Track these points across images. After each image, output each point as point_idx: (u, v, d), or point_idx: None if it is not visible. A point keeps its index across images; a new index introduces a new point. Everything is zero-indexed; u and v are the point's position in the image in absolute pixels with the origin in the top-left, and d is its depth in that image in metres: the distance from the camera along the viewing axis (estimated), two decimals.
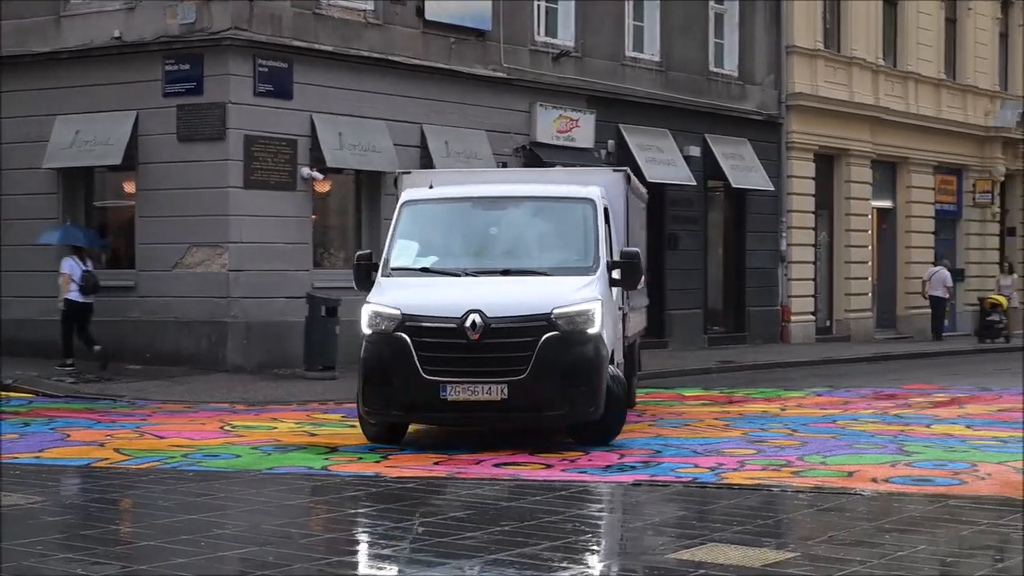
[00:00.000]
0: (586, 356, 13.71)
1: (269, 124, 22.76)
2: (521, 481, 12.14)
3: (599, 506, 11.13)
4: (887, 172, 37.70)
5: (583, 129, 27.49)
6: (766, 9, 32.67)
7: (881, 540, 9.44)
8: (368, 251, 15.47)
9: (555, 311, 13.61)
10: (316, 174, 23.25)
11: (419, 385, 13.52)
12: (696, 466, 12.93)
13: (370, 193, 24.56)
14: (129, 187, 23.87)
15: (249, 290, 22.65)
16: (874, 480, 12.19)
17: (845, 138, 34.86)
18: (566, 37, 27.82)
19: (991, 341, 36.42)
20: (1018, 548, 9.25)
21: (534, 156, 26.30)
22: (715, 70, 31.63)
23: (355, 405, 14.83)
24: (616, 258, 14.88)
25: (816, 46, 33.90)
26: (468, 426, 14.56)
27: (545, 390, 13.56)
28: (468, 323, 13.54)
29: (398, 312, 13.79)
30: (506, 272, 14.58)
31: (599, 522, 10.17)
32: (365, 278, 14.73)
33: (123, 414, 17.35)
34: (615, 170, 17.28)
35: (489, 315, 13.57)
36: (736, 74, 32.11)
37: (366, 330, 13.96)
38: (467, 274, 14.57)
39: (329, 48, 23.45)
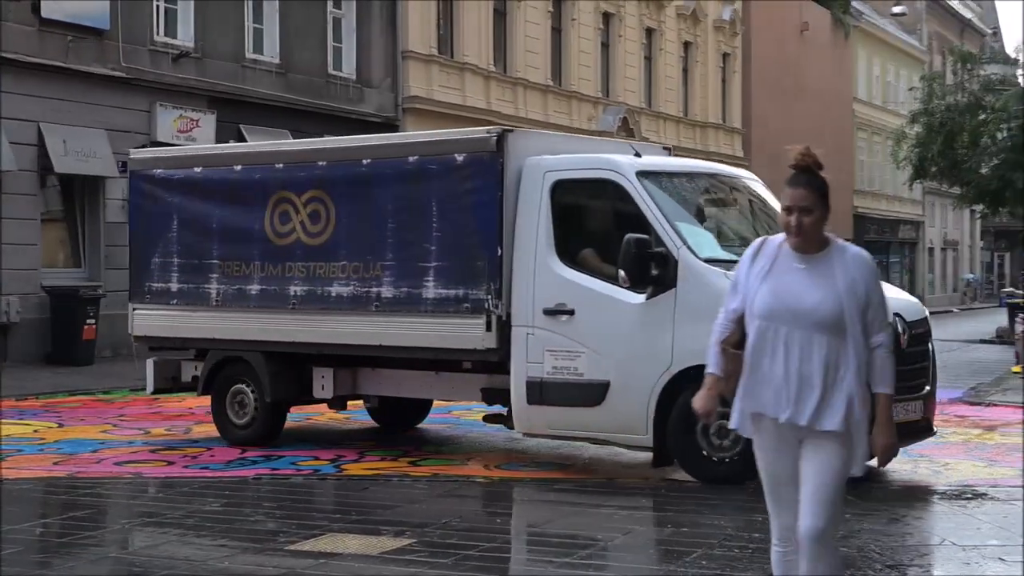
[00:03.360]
0: None
1: None
2: (143, 479, 11.87)
3: (221, 501, 10.97)
4: None
5: (204, 129, 27.04)
6: (382, 15, 32.86)
7: (494, 523, 9.64)
8: (644, 236, 11.20)
9: None
10: None
11: None
12: (317, 458, 12.92)
13: None
14: None
15: None
16: (487, 466, 12.45)
17: None
18: (186, 38, 27.29)
19: None
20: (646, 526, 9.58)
21: None
22: (334, 73, 31.63)
23: None
24: None
25: (431, 52, 34.33)
26: None
27: None
28: None
29: None
30: None
31: (220, 516, 10.02)
32: (644, 270, 11.21)
33: None
34: None
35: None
36: (354, 77, 32.19)
37: None
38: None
39: None
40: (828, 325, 5.65)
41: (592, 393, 11.49)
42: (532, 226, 11.86)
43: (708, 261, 11.24)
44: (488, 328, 11.97)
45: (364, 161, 13.10)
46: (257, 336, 13.68)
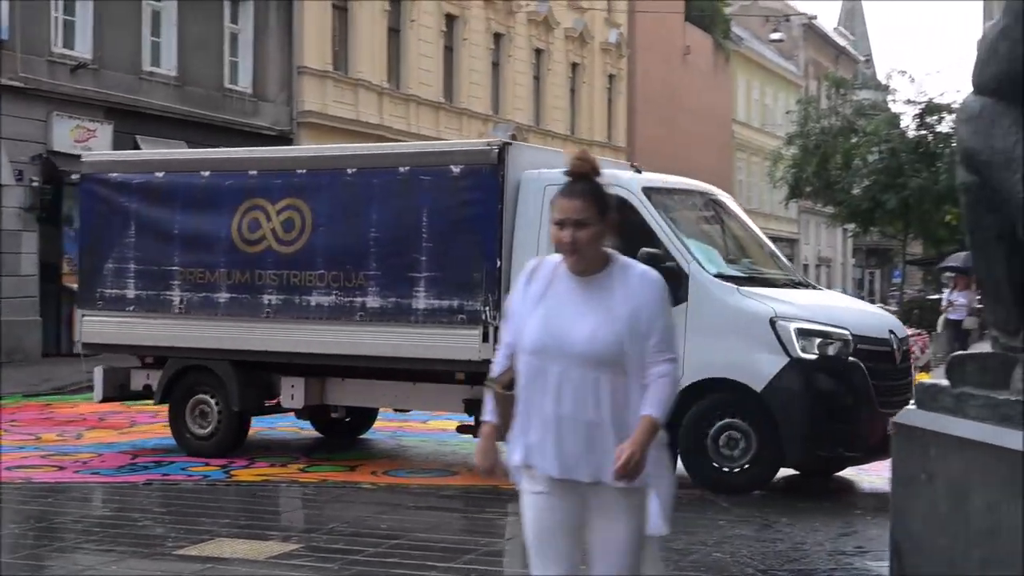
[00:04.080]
0: None
1: None
2: (33, 484, 11.65)
3: (111, 506, 10.80)
4: None
5: (100, 139, 26.63)
6: (279, 31, 32.65)
7: (379, 529, 9.59)
8: (657, 251, 11.04)
9: None
10: None
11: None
12: (207, 464, 12.77)
13: None
14: None
15: None
16: (374, 473, 12.38)
17: None
18: (84, 49, 26.89)
19: None
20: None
21: (51, 165, 25.31)
22: (230, 86, 31.35)
23: None
24: None
25: (326, 67, 34.15)
26: None
27: None
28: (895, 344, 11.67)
29: (846, 332, 11.18)
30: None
31: (109, 521, 9.86)
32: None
33: None
34: None
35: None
36: (250, 91, 31.93)
37: (802, 353, 10.98)
38: (798, 285, 12.51)
39: None
40: (604, 361, 4.74)
41: None
42: (532, 239, 11.62)
43: (716, 276, 11.32)
44: (485, 339, 11.73)
45: (349, 170, 12.75)
46: (224, 344, 13.17)
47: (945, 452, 5.72)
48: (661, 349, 4.80)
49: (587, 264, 4.83)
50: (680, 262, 11.18)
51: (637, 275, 4.86)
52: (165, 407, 13.75)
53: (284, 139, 32.17)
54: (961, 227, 6.45)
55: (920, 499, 5.93)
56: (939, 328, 25.24)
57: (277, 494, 11.43)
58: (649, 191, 11.71)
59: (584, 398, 4.75)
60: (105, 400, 14.43)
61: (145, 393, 14.01)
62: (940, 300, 29.37)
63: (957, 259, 26.97)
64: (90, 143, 26.20)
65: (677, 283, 10.91)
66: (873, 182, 39.91)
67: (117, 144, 26.51)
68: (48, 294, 25.66)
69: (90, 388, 15.09)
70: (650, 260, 10.60)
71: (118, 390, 14.19)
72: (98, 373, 14.21)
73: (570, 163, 4.89)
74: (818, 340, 10.95)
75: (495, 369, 4.99)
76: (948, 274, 31.26)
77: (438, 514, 10.63)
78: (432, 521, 10.35)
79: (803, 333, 10.94)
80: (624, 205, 11.49)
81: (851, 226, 48.97)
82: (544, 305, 4.86)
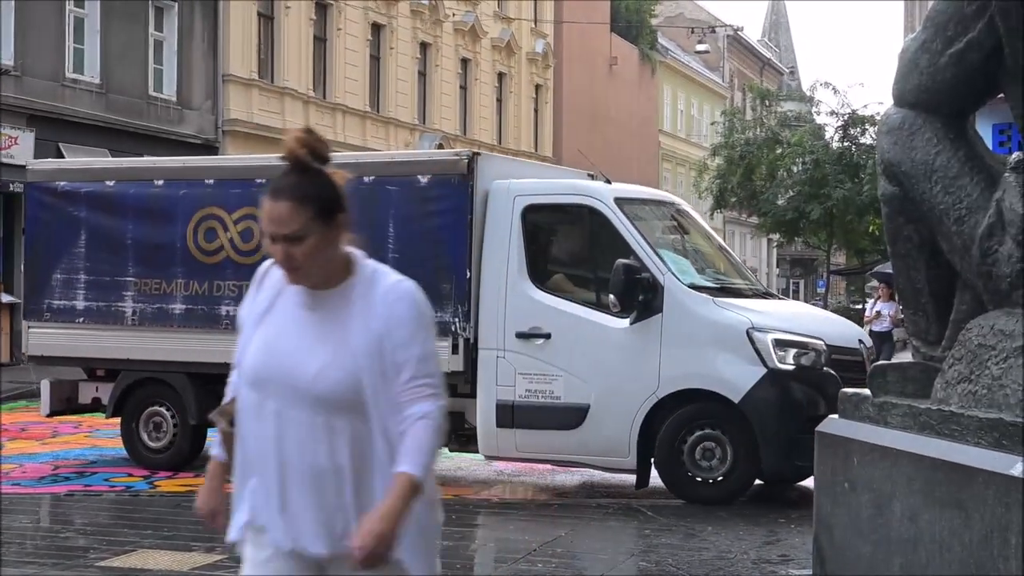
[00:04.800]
0: None
1: None
2: None
3: (31, 517, 10.66)
4: None
5: (22, 147, 26.32)
6: (204, 39, 32.45)
7: None
8: (632, 262, 11.12)
9: None
10: None
11: None
12: (130, 475, 12.65)
13: None
14: None
15: None
16: None
17: None
18: (5, 56, 26.57)
19: None
20: None
21: None
22: (154, 94, 31.11)
23: None
24: None
25: (251, 75, 33.98)
26: None
27: None
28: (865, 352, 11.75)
29: (821, 343, 11.22)
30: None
31: (29, 532, 9.74)
32: (632, 295, 11.05)
33: None
34: None
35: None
36: (175, 99, 31.71)
37: (779, 364, 10.97)
38: (765, 295, 12.56)
39: None
40: (337, 404, 3.71)
41: (570, 416, 11.31)
42: (502, 250, 11.61)
43: (690, 287, 11.33)
44: (455, 351, 11.66)
45: None
46: (182, 356, 12.89)
47: (867, 461, 5.79)
48: (418, 384, 3.75)
49: (317, 280, 3.80)
50: (655, 273, 11.17)
51: (384, 290, 3.80)
52: (90, 418, 13.52)
53: (209, 147, 31.97)
54: (884, 237, 6.51)
55: (843, 507, 5.99)
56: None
57: None
58: (621, 202, 11.71)
59: (314, 449, 3.73)
60: (53, 414, 14.04)
61: (94, 406, 13.72)
62: (864, 310, 29.66)
63: (885, 268, 27.26)
64: (11, 151, 25.90)
65: (652, 294, 11.04)
66: (797, 193, 40.33)
67: (39, 152, 26.19)
68: None
69: (15, 398, 14.89)
70: (625, 271, 10.80)
71: (65, 403, 13.83)
72: (45, 386, 13.84)
73: (287, 145, 3.78)
74: (794, 350, 10.99)
75: (228, 393, 3.99)
76: (872, 284, 31.60)
77: None
78: None
79: (780, 344, 10.96)
80: (597, 216, 11.61)
81: (776, 236, 49.43)
82: (267, 324, 3.86)
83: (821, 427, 6.36)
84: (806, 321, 11.74)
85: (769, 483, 11.92)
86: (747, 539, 9.78)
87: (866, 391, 6.13)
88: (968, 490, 4.93)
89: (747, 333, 10.96)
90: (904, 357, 6.91)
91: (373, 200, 11.99)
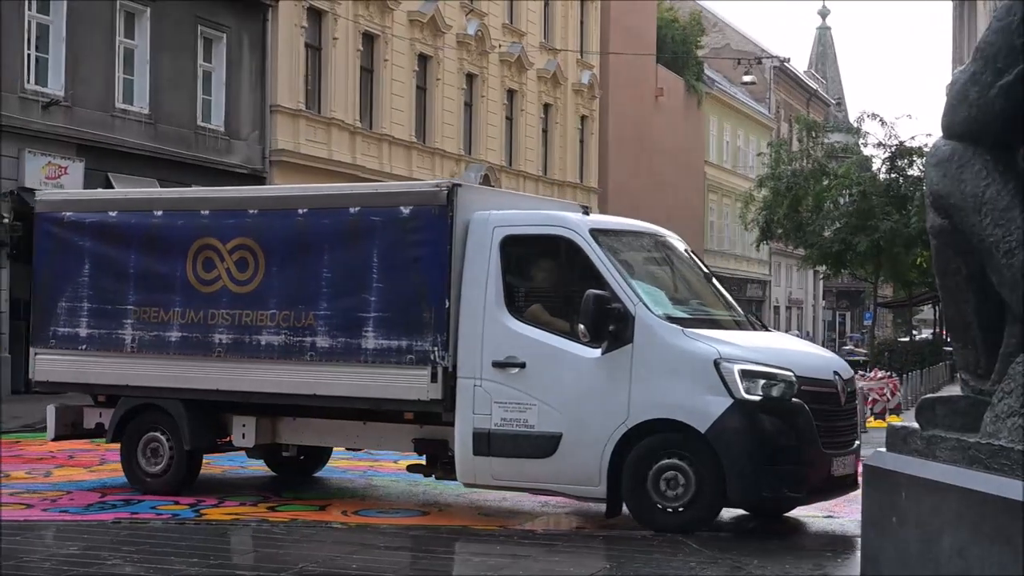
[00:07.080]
0: None
1: None
2: (1, 522, 11.56)
3: (79, 544, 10.72)
4: None
5: (72, 176, 26.61)
6: (252, 69, 32.70)
7: (350, 568, 9.55)
8: (603, 292, 11.24)
9: None
10: None
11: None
12: (177, 503, 12.71)
13: None
14: None
15: None
16: (344, 512, 12.34)
17: None
18: (56, 86, 26.89)
19: None
20: None
21: (22, 202, 25.23)
22: (203, 125, 31.36)
23: None
24: None
25: (299, 106, 34.22)
26: None
27: None
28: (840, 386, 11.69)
29: (790, 374, 11.16)
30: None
31: (78, 560, 9.79)
32: (603, 325, 11.15)
33: None
34: None
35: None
36: (223, 129, 31.96)
37: (746, 395, 10.95)
38: (745, 325, 12.57)
39: None
40: None
41: (543, 445, 11.38)
42: (481, 279, 11.75)
43: (662, 317, 11.37)
44: (433, 379, 11.81)
45: (300, 210, 12.79)
46: (177, 383, 13.16)
47: (915, 495, 5.75)
48: None
49: None
50: (626, 303, 11.23)
51: None
52: None
53: (256, 178, 32.19)
54: (932, 270, 6.49)
55: (890, 541, 5.96)
56: None
57: (247, 533, 11.38)
58: (596, 233, 11.80)
59: None
60: (58, 438, 14.42)
61: (97, 431, 14.01)
62: (909, 342, 29.44)
63: None
64: (62, 180, 26.17)
65: (623, 324, 11.13)
66: (844, 224, 40.12)
67: (89, 182, 26.49)
68: (18, 331, 25.52)
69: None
70: (596, 301, 10.91)
71: (70, 428, 14.18)
72: (51, 411, 14.18)
73: None
74: (762, 381, 10.96)
75: None
76: (920, 316, 31.36)
77: (408, 554, 10.60)
78: (402, 561, 10.32)
79: (747, 375, 10.94)
80: (571, 247, 11.71)
81: (822, 268, 49.19)
82: None
83: (868, 460, 6.33)
84: (778, 352, 11.70)
85: (772, 516, 11.91)
86: (793, 572, 9.72)
87: (914, 424, 6.10)
88: (1018, 525, 4.90)
89: (714, 363, 10.97)
90: (951, 390, 6.87)
91: (358, 230, 12.33)
